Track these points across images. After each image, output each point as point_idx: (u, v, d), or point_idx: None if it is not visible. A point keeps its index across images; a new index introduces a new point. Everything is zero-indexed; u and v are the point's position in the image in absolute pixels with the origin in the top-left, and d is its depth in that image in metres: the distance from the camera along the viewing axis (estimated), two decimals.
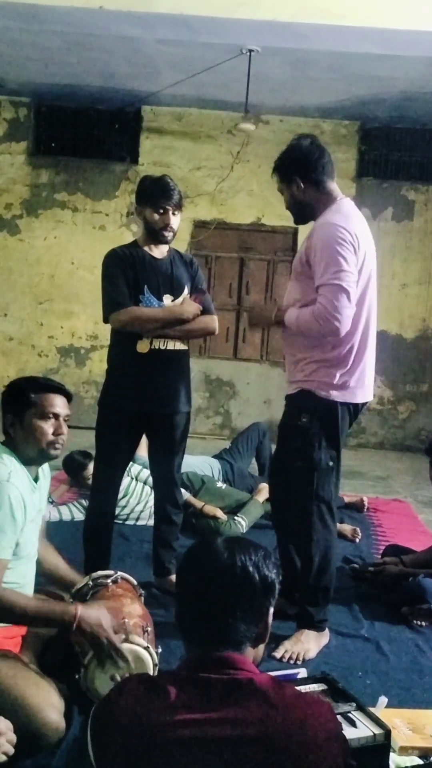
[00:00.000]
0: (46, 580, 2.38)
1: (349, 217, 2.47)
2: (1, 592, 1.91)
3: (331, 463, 2.55)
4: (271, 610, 1.41)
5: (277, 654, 2.53)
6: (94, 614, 1.95)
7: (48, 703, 1.86)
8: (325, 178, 2.52)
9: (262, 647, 1.41)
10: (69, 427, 2.17)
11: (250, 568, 1.35)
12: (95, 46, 5.42)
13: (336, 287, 2.37)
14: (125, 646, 1.97)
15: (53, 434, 2.11)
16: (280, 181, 2.60)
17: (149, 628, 2.12)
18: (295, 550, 2.72)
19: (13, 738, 1.63)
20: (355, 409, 2.61)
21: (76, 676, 2.01)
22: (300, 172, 2.50)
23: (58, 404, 2.13)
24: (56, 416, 2.12)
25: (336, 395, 2.51)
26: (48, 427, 2.10)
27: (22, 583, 2.12)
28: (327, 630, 2.68)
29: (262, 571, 1.36)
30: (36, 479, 2.18)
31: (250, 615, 1.35)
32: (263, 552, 1.41)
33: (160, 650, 2.11)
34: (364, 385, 2.58)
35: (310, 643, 2.58)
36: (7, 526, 1.96)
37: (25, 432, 2.10)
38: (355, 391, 2.55)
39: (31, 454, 2.12)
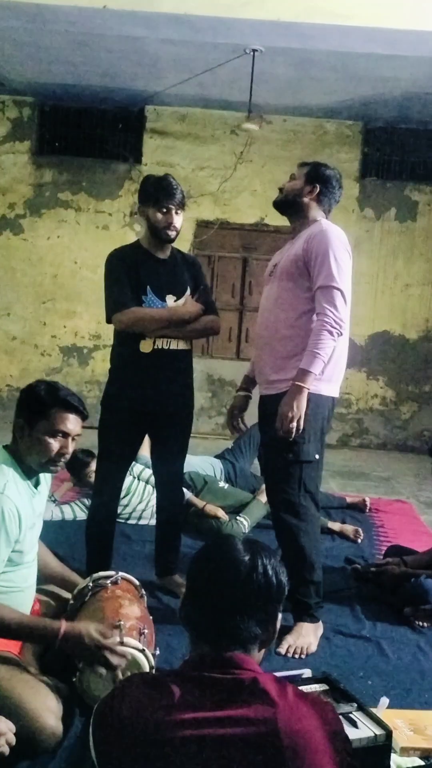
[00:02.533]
0: (45, 580, 2.38)
1: (338, 228, 2.68)
2: None
3: (317, 456, 2.67)
4: (280, 616, 1.42)
5: (282, 650, 2.56)
6: (79, 629, 1.89)
7: (45, 707, 1.85)
8: (329, 204, 2.78)
9: (264, 651, 1.42)
10: None
11: (270, 572, 1.38)
12: (99, 45, 5.42)
13: (336, 290, 2.55)
14: (120, 650, 1.92)
15: (57, 453, 2.07)
16: (303, 176, 2.73)
17: (146, 630, 2.09)
18: (284, 544, 2.75)
19: (12, 739, 1.63)
20: (332, 404, 2.75)
21: (73, 679, 2.00)
22: (322, 184, 2.73)
23: (72, 423, 2.08)
24: (66, 435, 2.07)
25: (324, 389, 2.63)
26: (55, 444, 2.06)
27: (23, 587, 2.10)
28: (320, 621, 2.73)
29: (279, 575, 1.39)
30: (37, 484, 2.16)
31: (263, 618, 1.37)
32: (279, 557, 1.42)
33: (158, 652, 2.10)
34: (340, 380, 2.73)
35: (310, 636, 2.64)
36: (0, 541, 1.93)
37: (32, 441, 2.06)
38: (337, 386, 2.72)
39: (31, 464, 2.09)
